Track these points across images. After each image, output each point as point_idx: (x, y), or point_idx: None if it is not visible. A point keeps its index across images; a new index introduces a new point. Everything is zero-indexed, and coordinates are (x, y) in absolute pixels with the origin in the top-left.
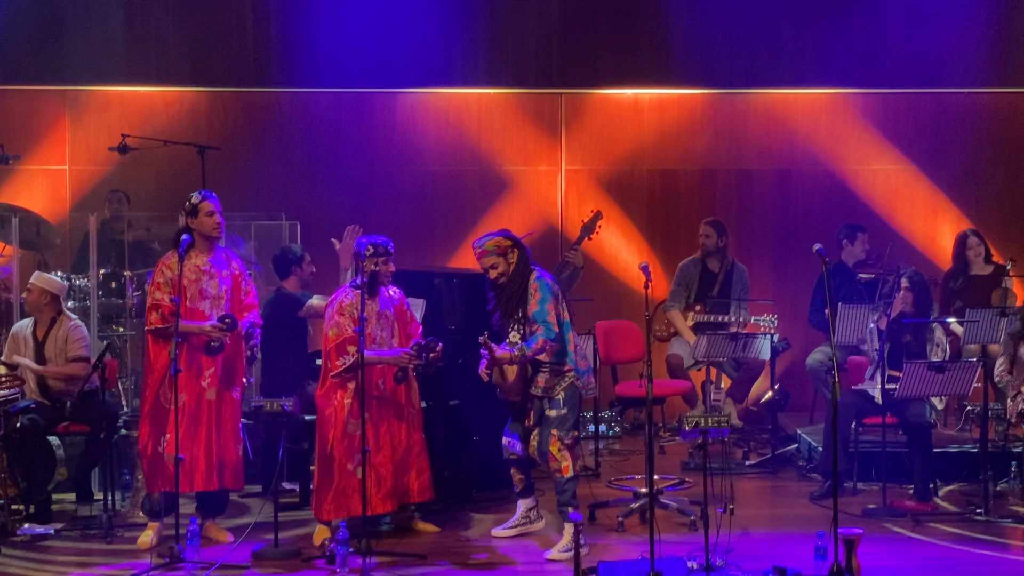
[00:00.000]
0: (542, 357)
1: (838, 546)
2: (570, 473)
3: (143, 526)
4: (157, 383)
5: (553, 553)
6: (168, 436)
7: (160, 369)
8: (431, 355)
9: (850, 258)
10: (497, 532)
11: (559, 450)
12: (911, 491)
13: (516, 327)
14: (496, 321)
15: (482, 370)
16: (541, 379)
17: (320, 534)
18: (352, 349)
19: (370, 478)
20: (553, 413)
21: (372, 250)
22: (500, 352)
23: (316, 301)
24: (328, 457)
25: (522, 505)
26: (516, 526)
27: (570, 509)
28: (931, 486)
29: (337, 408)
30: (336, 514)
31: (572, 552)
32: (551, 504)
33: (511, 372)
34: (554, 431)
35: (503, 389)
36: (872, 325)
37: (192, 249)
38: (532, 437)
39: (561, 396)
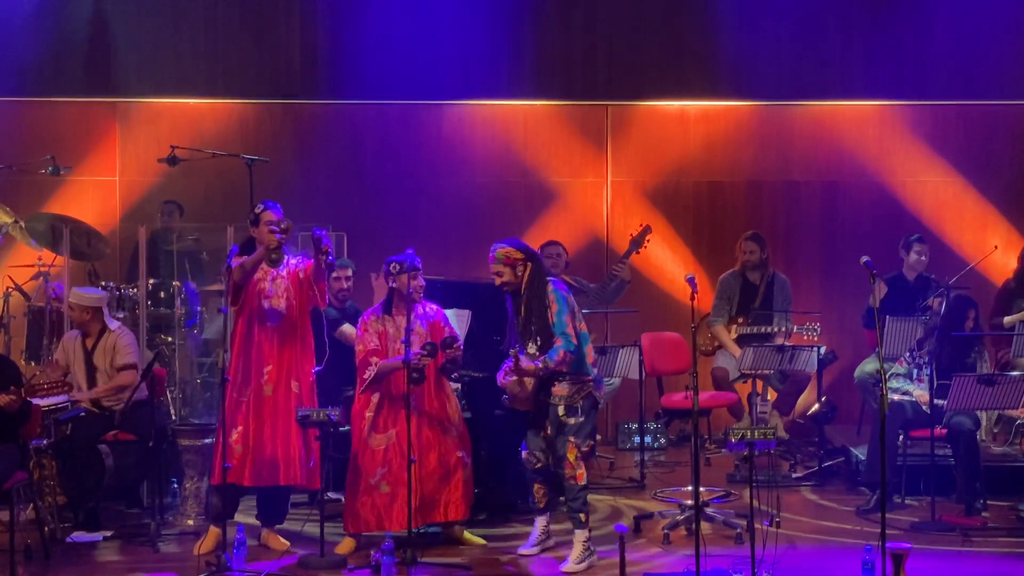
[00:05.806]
0: (561, 368)
1: (886, 561)
2: (584, 481)
3: (191, 535)
4: (233, 371)
5: (569, 565)
6: (240, 428)
7: (234, 356)
8: (448, 351)
9: (910, 271)
10: (524, 551)
11: (576, 458)
12: (959, 504)
13: (533, 340)
14: (508, 338)
15: (501, 377)
16: (562, 388)
17: (345, 545)
18: (374, 360)
19: (390, 493)
20: (572, 421)
21: (398, 267)
22: (525, 364)
23: (348, 329)
24: (354, 470)
25: (539, 522)
26: (539, 543)
27: (581, 516)
28: (981, 502)
29: (360, 421)
30: (355, 527)
31: (586, 563)
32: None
33: (529, 382)
34: (572, 438)
35: (516, 399)
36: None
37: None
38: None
39: (580, 404)
